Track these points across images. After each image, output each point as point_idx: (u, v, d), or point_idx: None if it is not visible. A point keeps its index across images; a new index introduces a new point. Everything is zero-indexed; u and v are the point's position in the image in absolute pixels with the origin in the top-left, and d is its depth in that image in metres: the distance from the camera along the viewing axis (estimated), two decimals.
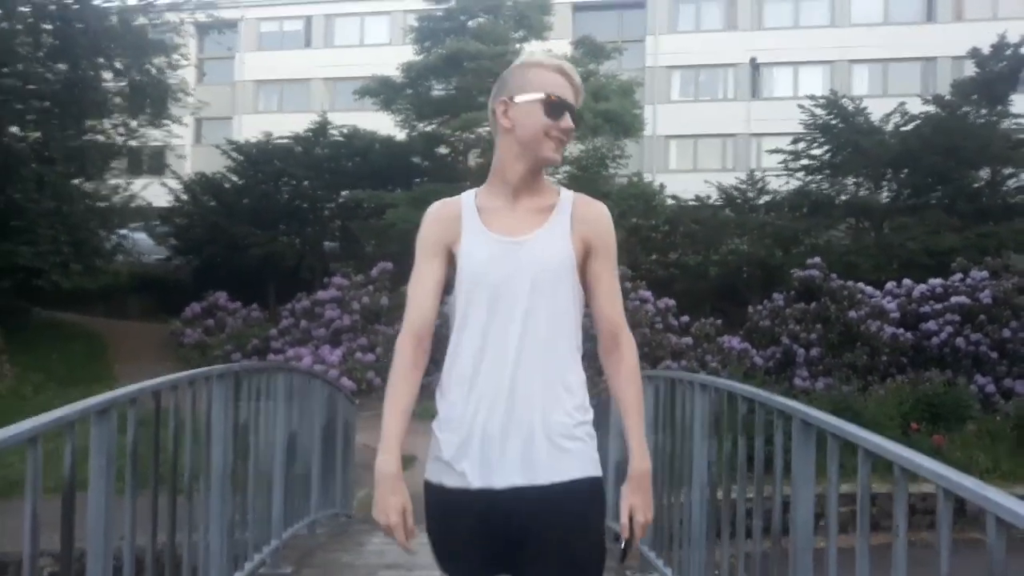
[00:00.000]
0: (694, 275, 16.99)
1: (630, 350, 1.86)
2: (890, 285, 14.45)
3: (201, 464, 3.26)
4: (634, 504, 1.78)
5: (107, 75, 16.43)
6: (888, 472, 2.21)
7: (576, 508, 1.73)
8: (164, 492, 2.92)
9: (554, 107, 1.80)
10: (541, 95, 1.80)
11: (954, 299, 13.75)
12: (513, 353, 1.75)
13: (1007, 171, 18.80)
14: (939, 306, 13.79)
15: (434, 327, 1.88)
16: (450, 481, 1.75)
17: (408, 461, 7.00)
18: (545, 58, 1.87)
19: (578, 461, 1.74)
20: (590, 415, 1.81)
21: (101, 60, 15.97)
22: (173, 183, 19.61)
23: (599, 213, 1.86)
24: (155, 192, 18.55)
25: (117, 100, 16.86)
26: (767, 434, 2.96)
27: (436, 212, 1.90)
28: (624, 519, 1.78)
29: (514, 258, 1.79)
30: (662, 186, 18.76)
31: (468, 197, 1.90)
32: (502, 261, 1.79)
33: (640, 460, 1.79)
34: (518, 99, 1.82)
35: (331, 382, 6.18)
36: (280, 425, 4.40)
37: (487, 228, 1.82)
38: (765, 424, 3.04)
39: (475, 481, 1.72)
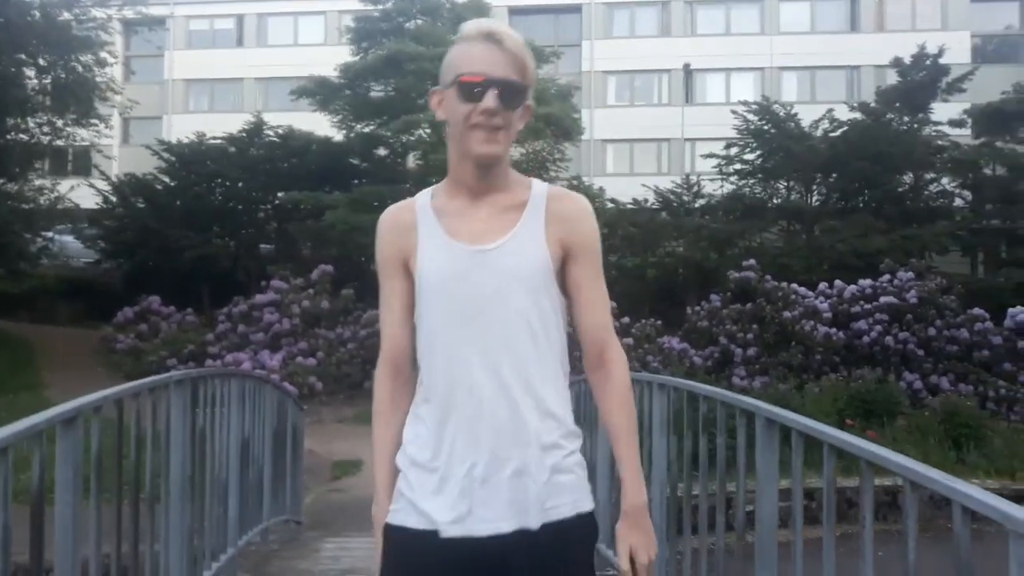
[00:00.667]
0: (633, 277, 17.23)
1: (619, 367, 1.63)
2: (822, 286, 14.89)
3: (161, 472, 3.19)
4: (634, 544, 1.56)
5: (30, 72, 15.83)
6: (847, 467, 2.31)
7: (569, 552, 1.53)
8: (125, 501, 2.85)
9: (466, 89, 1.50)
10: (456, 79, 1.52)
11: (883, 299, 14.25)
12: (489, 380, 1.51)
13: (928, 176, 19.60)
14: (869, 306, 14.28)
15: (412, 352, 1.65)
16: (419, 524, 1.52)
17: (354, 466, 6.97)
18: (470, 28, 1.56)
19: (569, 496, 1.54)
20: (579, 441, 1.61)
21: (23, 56, 15.37)
22: (101, 184, 19.01)
23: (578, 209, 1.62)
24: (83, 194, 17.95)
25: (41, 98, 16.26)
26: (730, 432, 3.05)
27: (389, 221, 1.65)
28: (625, 564, 1.56)
29: (481, 270, 1.54)
30: (601, 189, 18.99)
31: (423, 198, 1.65)
32: (467, 274, 1.54)
33: (635, 494, 1.59)
34: (442, 88, 1.57)
35: (280, 387, 6.09)
36: (234, 431, 4.33)
37: (447, 235, 1.57)
38: (726, 422, 3.13)
39: (452, 527, 1.49)
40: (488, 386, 1.52)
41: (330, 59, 18.98)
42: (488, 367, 1.52)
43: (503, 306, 1.53)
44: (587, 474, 1.61)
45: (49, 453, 2.18)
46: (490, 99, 1.49)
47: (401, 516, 1.55)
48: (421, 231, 1.60)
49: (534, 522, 1.50)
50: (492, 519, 1.49)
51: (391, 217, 1.66)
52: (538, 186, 1.63)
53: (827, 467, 2.30)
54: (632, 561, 1.57)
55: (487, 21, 1.57)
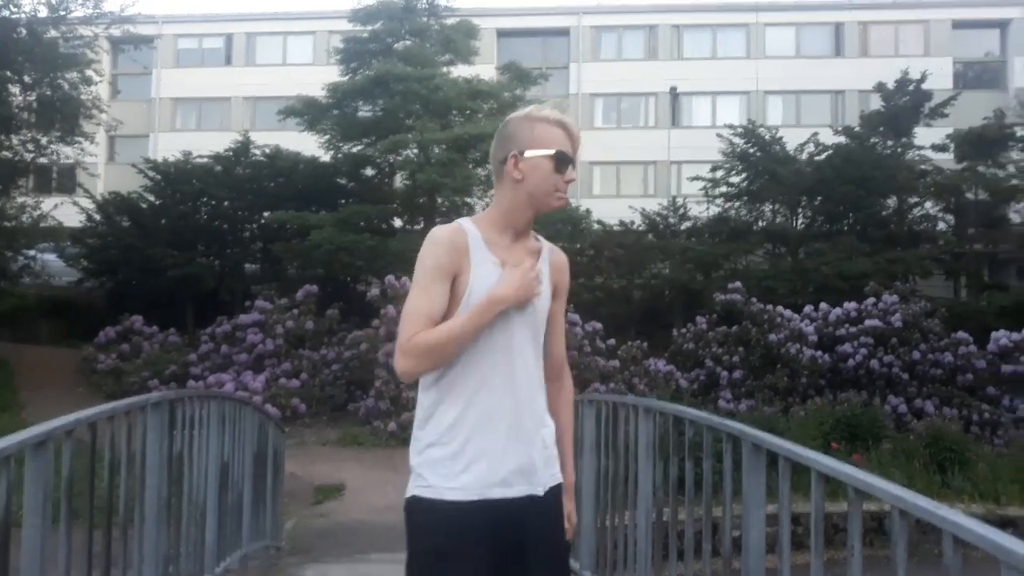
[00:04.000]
0: (619, 299, 17.24)
1: (568, 381, 2.20)
2: (808, 309, 14.92)
3: (135, 496, 3.12)
4: (571, 510, 2.11)
5: (15, 89, 15.77)
6: (833, 491, 2.27)
7: (560, 507, 2.04)
8: (98, 526, 2.78)
9: (561, 162, 1.96)
10: (551, 152, 1.96)
11: (868, 322, 14.28)
12: (511, 379, 1.94)
13: (912, 200, 19.75)
14: (854, 329, 14.30)
15: None
16: (458, 496, 1.87)
17: (336, 490, 6.86)
18: (550, 112, 2.01)
19: (556, 468, 2.06)
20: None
21: (8, 73, 15.31)
22: (85, 202, 18.88)
23: (565, 262, 2.14)
24: (66, 212, 17.83)
25: (25, 115, 16.19)
26: (716, 457, 3.01)
27: (447, 239, 1.95)
28: (572, 522, 2.11)
29: None
30: (588, 211, 19.04)
31: (471, 228, 1.98)
32: None
33: (571, 474, 2.13)
34: (528, 154, 1.96)
35: (261, 409, 6.01)
36: (213, 454, 4.25)
37: (495, 257, 1.96)
38: (712, 447, 3.09)
39: (489, 491, 1.89)
40: (511, 384, 1.94)
41: (319, 79, 19.01)
42: (512, 370, 1.94)
43: (523, 324, 1.96)
44: None
45: (17, 477, 2.12)
46: (572, 173, 1.99)
47: (438, 492, 1.88)
48: (474, 255, 1.94)
49: (542, 486, 1.98)
50: (516, 485, 1.92)
51: (448, 236, 1.96)
52: (542, 240, 2.11)
53: (815, 494, 2.26)
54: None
55: (557, 111, 2.03)
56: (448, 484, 1.87)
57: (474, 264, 1.92)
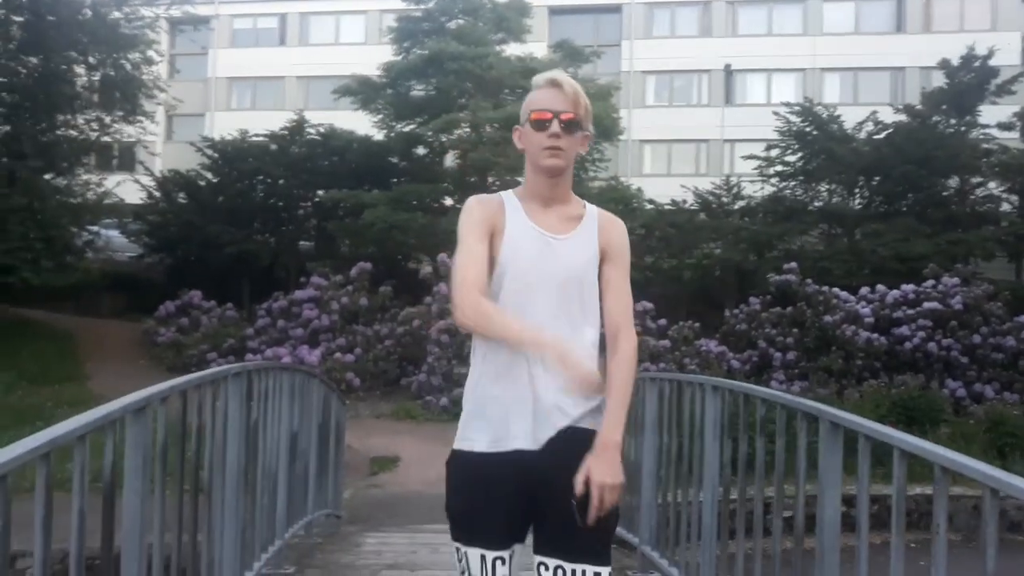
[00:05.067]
0: (669, 278, 17.10)
1: (627, 342, 2.06)
2: (864, 290, 14.66)
3: (217, 464, 3.23)
4: (594, 469, 1.87)
5: (80, 69, 16.14)
6: (910, 472, 2.27)
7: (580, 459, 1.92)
8: (185, 491, 2.89)
9: (537, 123, 2.01)
10: (529, 114, 2.02)
11: (926, 305, 13.99)
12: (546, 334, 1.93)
13: (975, 180, 19.18)
14: (911, 311, 14.03)
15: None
16: (491, 447, 1.95)
17: (391, 462, 7.01)
18: (539, 77, 2.07)
19: (585, 420, 1.97)
20: (603, 396, 1.98)
21: (73, 54, 15.67)
22: (146, 180, 19.32)
23: (619, 225, 2.14)
24: (127, 189, 18.25)
25: (89, 95, 16.57)
26: (788, 435, 3.00)
27: (479, 200, 2.07)
28: (580, 488, 1.86)
29: (553, 251, 2.02)
30: (639, 190, 18.88)
31: (508, 195, 2.09)
32: (543, 251, 2.01)
33: (610, 432, 1.92)
34: (522, 125, 2.06)
35: (326, 381, 6.14)
36: (284, 425, 4.37)
37: (530, 219, 2.03)
38: (785, 425, 3.08)
39: (521, 443, 1.93)
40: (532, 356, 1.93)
41: (371, 58, 19.10)
42: (541, 323, 1.94)
43: (564, 284, 2.00)
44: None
45: (119, 440, 2.21)
46: (555, 127, 1.99)
47: (472, 444, 1.98)
48: (509, 213, 2.04)
49: (545, 437, 1.95)
50: (538, 438, 1.94)
51: (480, 198, 2.08)
52: (591, 207, 2.14)
53: (898, 472, 2.26)
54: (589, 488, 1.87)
55: (552, 71, 2.08)
56: (466, 436, 2.00)
57: (509, 222, 2.02)
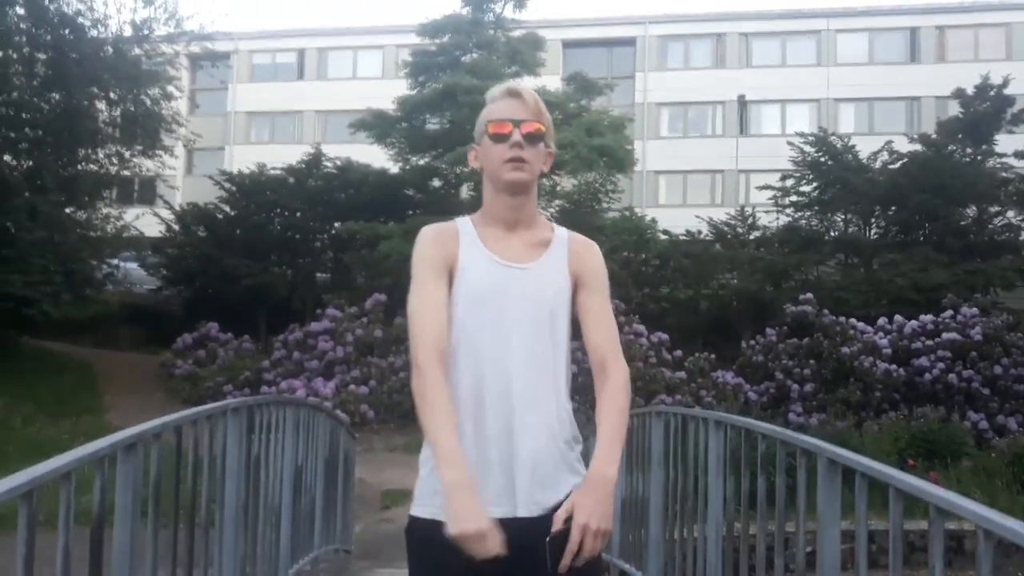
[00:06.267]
0: (685, 309, 17.03)
1: (617, 372, 1.83)
2: (882, 321, 14.52)
3: (216, 498, 3.22)
4: (580, 506, 1.65)
5: (101, 105, 16.45)
6: (909, 508, 2.23)
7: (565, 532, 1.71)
8: (181, 525, 2.88)
9: (495, 136, 1.82)
10: (484, 126, 1.85)
11: (945, 335, 13.83)
12: (516, 383, 1.75)
13: (993, 209, 19.06)
14: (931, 342, 13.87)
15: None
16: (433, 513, 1.71)
17: (403, 495, 6.96)
18: (495, 90, 1.90)
19: (562, 488, 1.75)
20: (580, 446, 1.85)
21: (95, 90, 15.99)
22: (165, 213, 19.58)
23: (593, 248, 1.93)
24: (147, 222, 18.51)
25: (110, 130, 16.86)
26: (788, 471, 2.96)
27: (433, 232, 1.87)
28: (558, 524, 1.65)
29: (517, 283, 1.81)
30: (654, 220, 18.88)
31: (464, 222, 1.90)
32: (505, 285, 1.80)
33: (602, 465, 1.70)
34: (477, 143, 1.89)
35: (333, 415, 6.13)
36: (288, 459, 4.36)
37: (488, 250, 1.83)
38: (785, 461, 3.04)
39: (496, 510, 1.66)
40: (516, 389, 1.76)
41: (388, 92, 19.34)
42: (516, 372, 1.76)
43: (533, 319, 1.80)
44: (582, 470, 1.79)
45: (110, 477, 2.22)
46: (516, 136, 1.80)
47: (437, 512, 1.67)
48: (463, 242, 1.84)
49: (551, 504, 1.72)
50: (522, 504, 1.72)
51: (434, 229, 1.88)
52: (560, 229, 1.93)
53: (893, 511, 2.21)
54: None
55: (509, 82, 1.92)
56: (425, 501, 1.76)
57: (463, 253, 1.82)
